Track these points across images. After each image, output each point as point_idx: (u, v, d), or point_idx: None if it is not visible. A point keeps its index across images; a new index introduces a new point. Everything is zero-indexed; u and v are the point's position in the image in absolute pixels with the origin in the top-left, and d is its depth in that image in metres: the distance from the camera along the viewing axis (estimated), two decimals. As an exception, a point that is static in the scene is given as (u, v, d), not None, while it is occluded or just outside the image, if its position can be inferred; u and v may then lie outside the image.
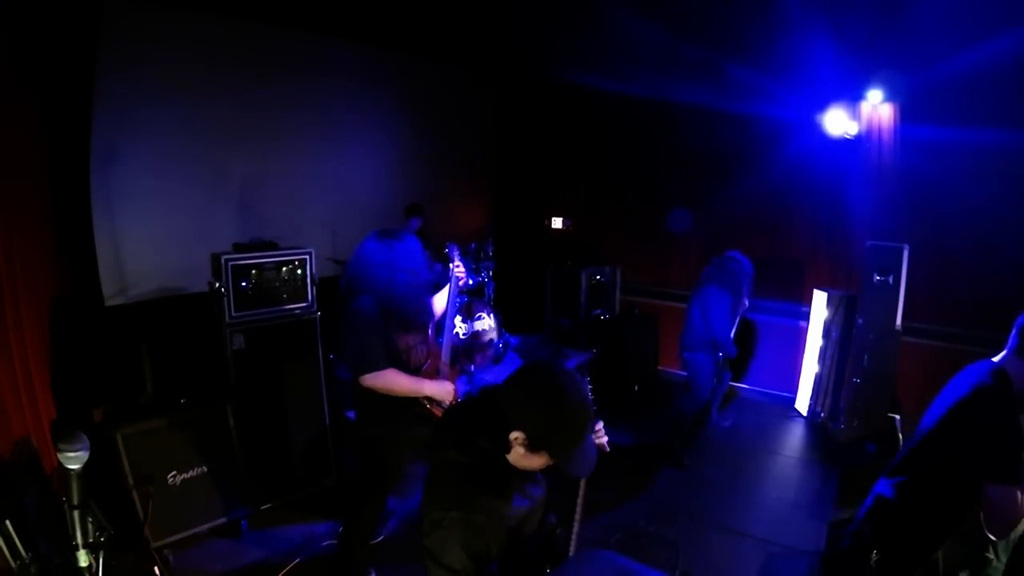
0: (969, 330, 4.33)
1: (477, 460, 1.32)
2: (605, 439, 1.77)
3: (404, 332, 2.46)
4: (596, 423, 1.71)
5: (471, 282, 4.88)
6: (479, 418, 1.34)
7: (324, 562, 2.96)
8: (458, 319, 4.56)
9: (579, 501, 1.75)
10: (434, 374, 2.56)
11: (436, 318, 2.75)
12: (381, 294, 2.34)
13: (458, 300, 2.86)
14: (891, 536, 1.88)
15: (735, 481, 3.91)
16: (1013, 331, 1.78)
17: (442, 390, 2.47)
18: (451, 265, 2.74)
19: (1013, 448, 1.61)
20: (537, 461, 1.34)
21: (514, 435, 1.29)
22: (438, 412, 2.47)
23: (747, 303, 4.25)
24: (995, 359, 1.79)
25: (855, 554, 2.00)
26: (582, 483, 1.78)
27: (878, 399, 4.33)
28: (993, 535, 1.74)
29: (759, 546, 3.23)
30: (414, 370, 2.49)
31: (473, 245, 5.24)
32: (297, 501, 3.44)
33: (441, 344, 2.65)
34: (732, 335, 4.15)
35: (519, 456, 1.33)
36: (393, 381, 2.35)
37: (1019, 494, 1.61)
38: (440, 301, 2.77)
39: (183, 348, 3.66)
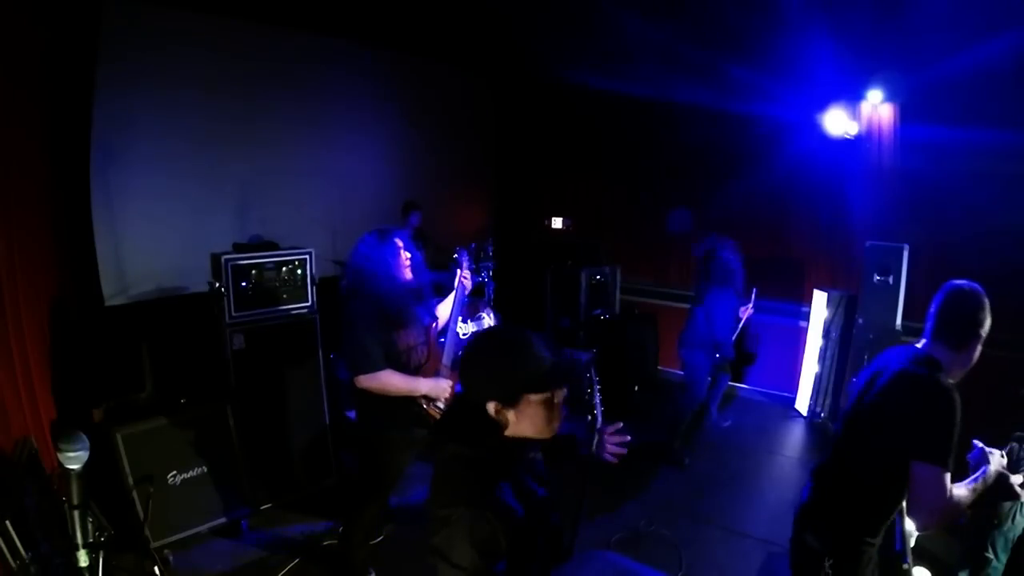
0: (969, 330, 4.32)
1: (481, 452, 1.32)
2: (616, 439, 1.75)
3: (402, 331, 2.47)
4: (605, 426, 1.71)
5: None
6: (468, 412, 1.35)
7: (324, 562, 2.96)
8: (459, 319, 4.56)
9: (582, 502, 1.75)
10: (433, 374, 2.56)
11: (440, 323, 2.76)
12: (372, 294, 2.36)
13: (463, 303, 2.87)
14: (835, 534, 1.81)
15: (735, 481, 3.91)
16: (931, 319, 1.78)
17: (438, 388, 2.47)
18: (459, 271, 2.75)
19: (944, 431, 1.59)
20: (532, 413, 1.31)
21: (491, 407, 1.28)
22: (435, 412, 2.47)
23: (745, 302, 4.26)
24: (918, 345, 1.80)
25: (805, 569, 1.90)
26: (584, 484, 1.77)
27: (878, 399, 4.32)
28: (916, 522, 1.71)
29: (759, 546, 3.23)
30: (414, 370, 2.49)
31: (473, 245, 5.24)
32: (297, 501, 3.44)
33: (443, 345, 2.65)
34: (733, 337, 4.17)
35: (515, 424, 1.31)
36: (388, 382, 2.36)
37: (946, 481, 1.58)
38: (445, 306, 2.78)
39: (183, 348, 3.66)
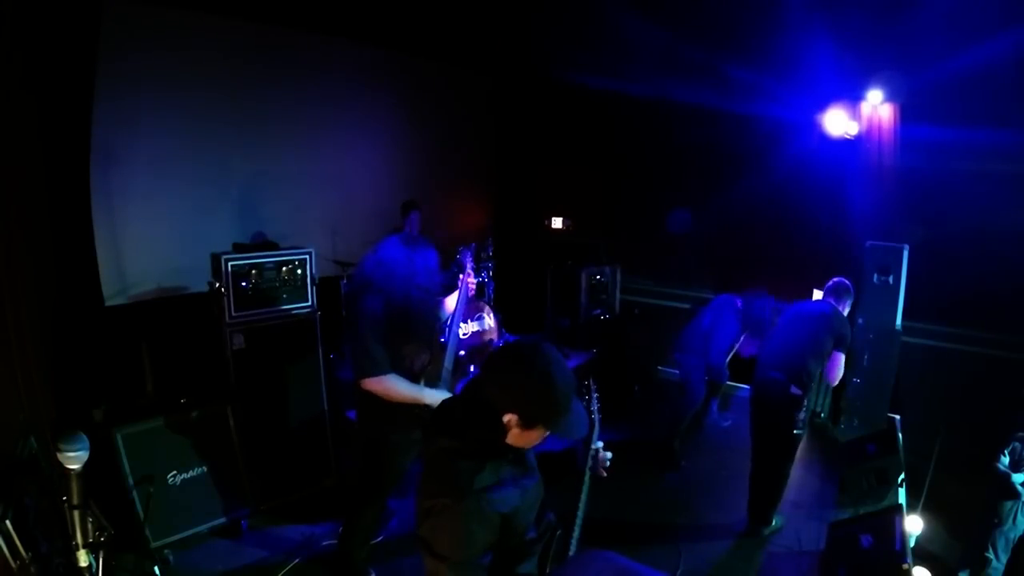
0: (969, 330, 4.32)
1: (471, 446, 1.34)
2: (607, 462, 1.78)
3: (409, 335, 2.45)
4: (597, 445, 1.74)
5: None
6: (470, 411, 1.35)
7: (324, 562, 2.96)
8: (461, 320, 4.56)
9: (581, 504, 1.75)
10: (435, 378, 2.56)
11: (444, 322, 2.75)
12: (394, 300, 2.34)
13: (465, 305, 2.86)
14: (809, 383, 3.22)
15: (735, 481, 3.91)
16: (831, 296, 3.37)
17: (440, 401, 2.46)
18: (462, 276, 2.74)
19: (847, 333, 3.30)
20: (535, 435, 1.37)
21: (507, 418, 1.30)
22: None
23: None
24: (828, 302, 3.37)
25: (786, 407, 3.18)
26: (584, 487, 1.77)
27: (878, 399, 4.33)
28: (833, 382, 3.40)
29: (759, 546, 3.23)
30: (416, 373, 2.49)
31: (474, 245, 5.24)
32: (297, 501, 3.44)
33: (446, 346, 2.64)
34: (726, 361, 4.26)
35: (516, 436, 1.35)
36: (392, 387, 2.35)
37: (841, 358, 3.26)
38: (449, 305, 2.77)
39: (183, 348, 3.66)
